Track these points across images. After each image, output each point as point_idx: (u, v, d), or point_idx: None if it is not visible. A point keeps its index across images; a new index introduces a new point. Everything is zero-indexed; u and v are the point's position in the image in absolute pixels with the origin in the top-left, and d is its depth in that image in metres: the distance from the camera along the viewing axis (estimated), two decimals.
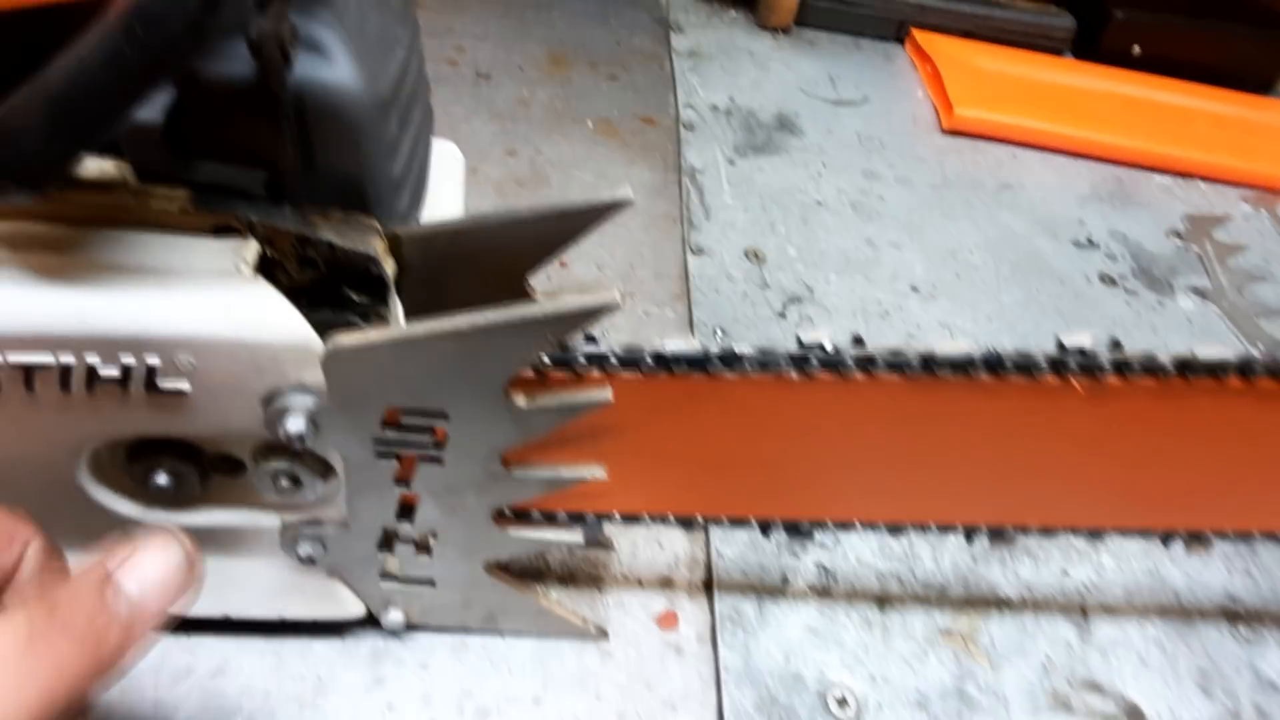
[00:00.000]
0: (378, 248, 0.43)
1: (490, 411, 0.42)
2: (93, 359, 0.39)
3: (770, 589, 0.68)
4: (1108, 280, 1.04)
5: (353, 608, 0.56)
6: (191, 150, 0.40)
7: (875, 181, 1.11)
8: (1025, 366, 0.46)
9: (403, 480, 0.47)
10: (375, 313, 0.45)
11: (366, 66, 0.43)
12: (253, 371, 0.41)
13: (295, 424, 0.42)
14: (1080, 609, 0.71)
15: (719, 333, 0.87)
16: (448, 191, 0.62)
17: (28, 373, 0.39)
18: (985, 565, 0.73)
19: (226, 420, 0.43)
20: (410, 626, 0.59)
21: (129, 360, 0.39)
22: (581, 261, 0.91)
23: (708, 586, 0.67)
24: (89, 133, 0.33)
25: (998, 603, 0.70)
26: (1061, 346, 0.47)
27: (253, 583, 0.54)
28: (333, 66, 0.41)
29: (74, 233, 0.40)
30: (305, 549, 0.51)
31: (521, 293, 0.49)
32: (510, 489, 0.47)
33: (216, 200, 0.40)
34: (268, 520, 0.50)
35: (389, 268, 0.44)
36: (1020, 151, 1.23)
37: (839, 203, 1.07)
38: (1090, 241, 1.10)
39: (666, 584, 0.67)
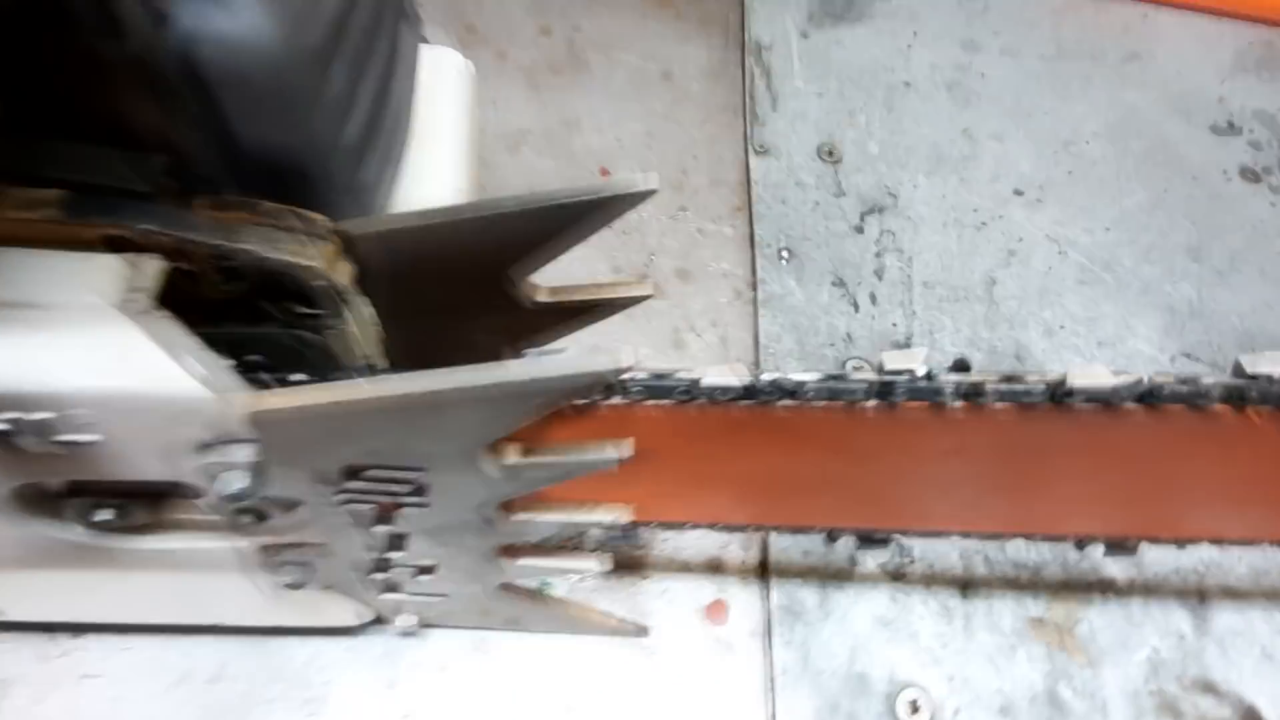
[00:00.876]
0: (322, 253, 0.33)
1: (472, 472, 0.33)
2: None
3: (835, 573, 0.59)
4: (1250, 175, 0.86)
5: (355, 616, 0.50)
6: (51, 141, 0.30)
7: (976, 54, 0.93)
8: (1192, 398, 0.34)
9: (385, 518, 0.39)
10: (328, 326, 0.35)
11: (284, 5, 0.31)
12: (171, 423, 0.32)
13: (234, 482, 0.33)
14: (1198, 592, 0.61)
15: (784, 255, 0.74)
16: (447, 122, 0.51)
17: None
18: None
19: (153, 471, 0.34)
20: (426, 625, 0.53)
21: (12, 416, 0.31)
22: (627, 168, 0.78)
23: (762, 571, 0.59)
24: None
25: (1100, 586, 0.61)
26: (1241, 371, 0.34)
27: (241, 594, 0.48)
28: (233, 12, 0.29)
29: None
30: (289, 575, 0.44)
31: (506, 293, 0.38)
32: (514, 531, 0.39)
33: (97, 206, 0.30)
34: (236, 543, 0.43)
35: (342, 274, 0.34)
36: (1152, 10, 1.01)
37: (931, 83, 0.90)
38: (1231, 125, 0.90)
39: (716, 568, 0.59)
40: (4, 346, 0.29)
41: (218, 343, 0.35)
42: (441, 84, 0.52)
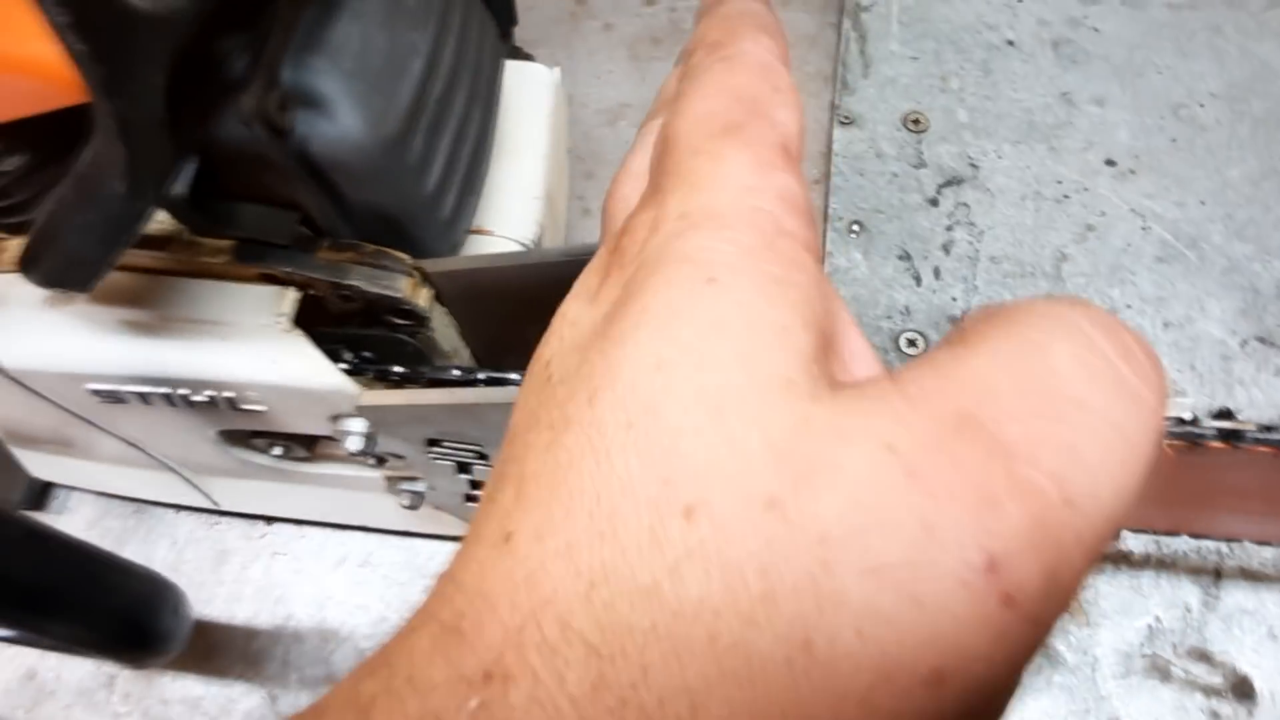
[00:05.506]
0: (405, 286, 0.45)
1: None
2: (184, 390, 0.47)
3: None
4: None
5: (461, 528, 0.66)
6: (226, 204, 0.43)
7: (1093, 5, 0.90)
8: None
9: (465, 468, 0.52)
10: (418, 331, 0.48)
11: (372, 106, 0.42)
12: (311, 403, 0.46)
13: (353, 443, 0.47)
14: (1215, 570, 0.65)
15: (855, 229, 0.80)
16: (529, 138, 0.61)
17: (143, 395, 0.48)
18: None
19: (305, 427, 0.50)
20: None
21: (211, 393, 0.46)
22: None
23: None
24: (118, 245, 0.37)
25: (1114, 557, 0.66)
26: None
27: (380, 505, 0.64)
28: (333, 120, 0.41)
29: (146, 282, 0.45)
30: (405, 499, 0.59)
31: None
32: None
33: (255, 253, 0.44)
34: (370, 473, 0.58)
35: (422, 299, 0.46)
36: None
37: (1036, 42, 0.89)
38: None
39: None
40: (204, 349, 0.44)
41: (339, 341, 0.49)
42: (526, 99, 0.62)
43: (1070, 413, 0.12)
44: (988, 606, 0.12)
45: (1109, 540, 0.12)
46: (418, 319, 0.47)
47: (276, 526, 0.71)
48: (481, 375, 0.47)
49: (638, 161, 0.19)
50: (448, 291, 0.47)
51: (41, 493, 0.73)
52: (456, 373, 0.48)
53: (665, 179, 0.16)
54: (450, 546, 0.69)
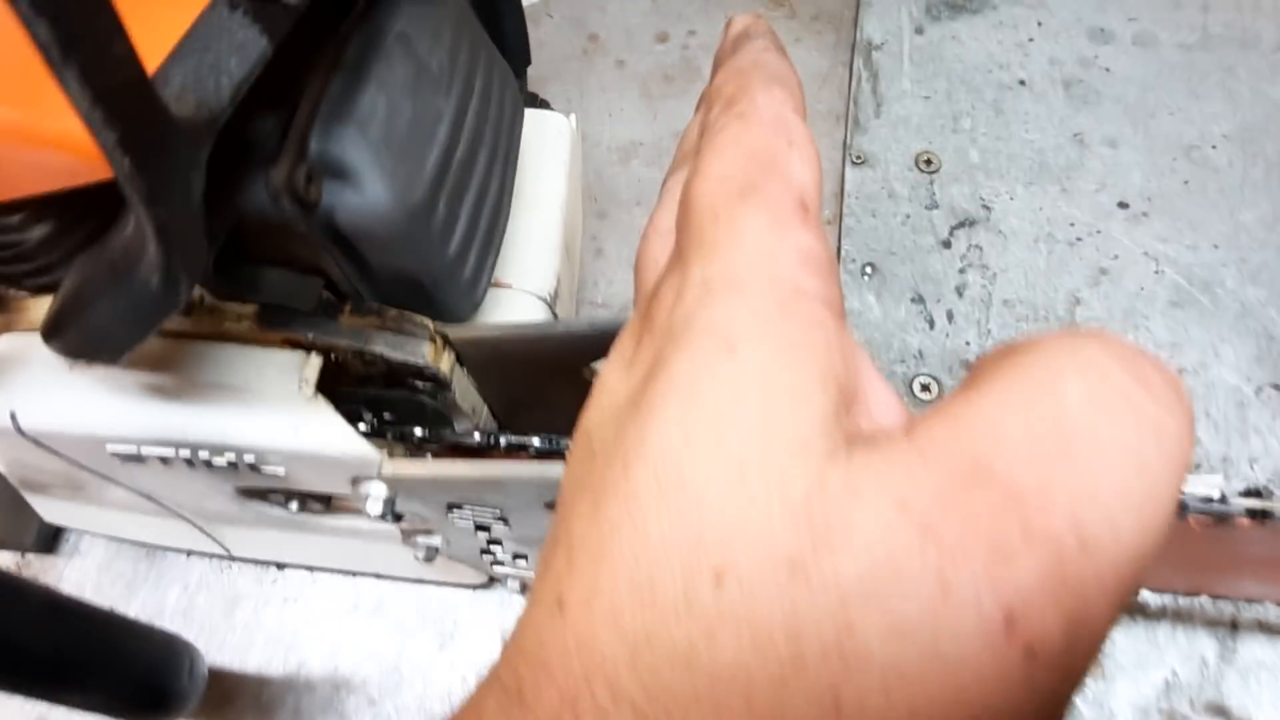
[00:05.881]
0: (428, 352, 0.45)
1: (539, 512, 0.45)
2: (205, 454, 0.46)
3: None
4: None
5: (476, 577, 0.65)
6: (249, 270, 0.43)
7: (1104, 45, 0.91)
8: None
9: (483, 528, 0.52)
10: (438, 393, 0.48)
11: (398, 176, 0.42)
12: (332, 468, 0.46)
13: (374, 507, 0.47)
14: (1231, 623, 0.65)
15: (867, 271, 0.80)
16: (547, 188, 0.61)
17: (163, 458, 0.48)
18: None
19: (325, 489, 0.49)
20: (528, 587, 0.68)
21: (232, 456, 0.46)
22: None
23: None
24: (147, 331, 0.37)
25: (1130, 608, 0.66)
26: None
27: (395, 554, 0.64)
28: (360, 191, 0.41)
29: (168, 346, 0.45)
30: (421, 552, 0.59)
31: (583, 375, 0.48)
32: None
33: (279, 319, 0.44)
34: (386, 527, 0.58)
35: (444, 363, 0.46)
36: None
37: (1048, 81, 0.89)
38: None
39: None
40: (226, 414, 0.44)
41: (359, 401, 0.49)
42: (544, 149, 0.62)
43: (1084, 451, 0.12)
44: (1010, 661, 0.12)
45: (1137, 578, 0.12)
46: (439, 383, 0.47)
47: (288, 572, 0.71)
48: (502, 439, 0.47)
49: (664, 218, 0.20)
50: (469, 356, 0.47)
51: (53, 536, 0.72)
52: (477, 435, 0.48)
53: (688, 245, 0.17)
54: (460, 595, 0.69)
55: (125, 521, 0.65)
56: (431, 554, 0.59)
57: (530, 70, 0.77)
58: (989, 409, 0.13)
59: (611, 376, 0.18)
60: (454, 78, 0.47)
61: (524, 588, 0.66)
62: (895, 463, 0.13)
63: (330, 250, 0.42)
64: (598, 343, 0.44)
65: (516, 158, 0.57)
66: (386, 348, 0.44)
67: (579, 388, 0.49)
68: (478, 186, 0.49)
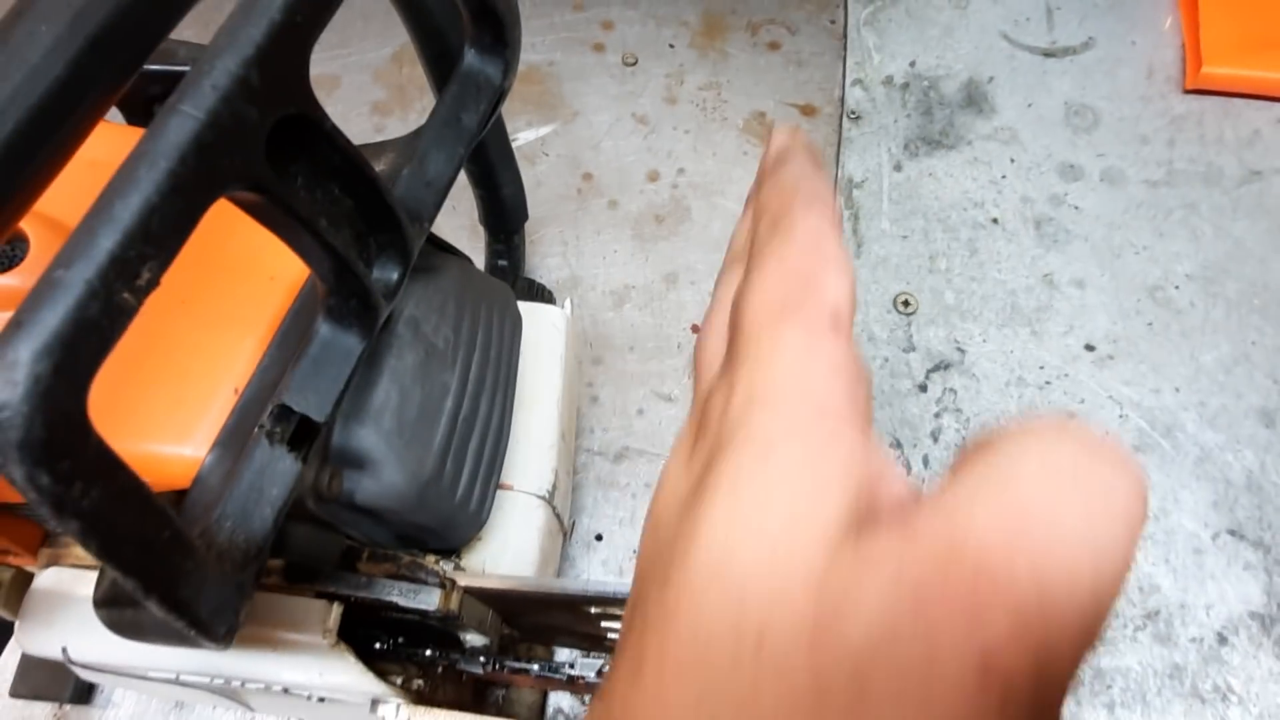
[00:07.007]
0: (437, 599, 0.50)
1: None
2: (237, 683, 0.52)
3: None
4: None
5: None
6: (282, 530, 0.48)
7: (1074, 182, 0.95)
8: None
9: None
10: (450, 622, 0.53)
11: (410, 458, 0.47)
12: (352, 696, 0.51)
13: None
14: None
15: None
16: (544, 383, 0.66)
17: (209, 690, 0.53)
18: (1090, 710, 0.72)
19: (348, 715, 0.55)
20: None
21: (263, 685, 0.51)
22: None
23: None
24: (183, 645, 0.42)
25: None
26: None
27: None
28: (376, 478, 0.46)
29: None
30: None
31: (588, 621, 0.53)
32: None
33: (304, 574, 0.49)
34: None
35: (453, 603, 0.51)
36: None
37: (1019, 221, 0.94)
38: None
39: None
40: (258, 657, 0.49)
41: (378, 626, 0.54)
42: (540, 343, 0.67)
43: (1039, 519, 0.15)
44: (989, 703, 0.14)
45: (1099, 618, 0.15)
46: (448, 618, 0.52)
47: None
48: (507, 664, 0.52)
49: (718, 319, 0.23)
50: (480, 594, 0.52)
51: (88, 689, 0.77)
52: (482, 659, 0.53)
53: (736, 357, 0.20)
54: None
55: (156, 686, 0.71)
56: None
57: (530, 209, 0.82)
58: (962, 495, 0.16)
59: (674, 469, 0.21)
60: (458, 348, 0.52)
61: None
62: (895, 545, 0.16)
63: (353, 520, 0.48)
64: (597, 599, 0.49)
65: (516, 376, 0.62)
66: (400, 597, 0.50)
67: (579, 616, 0.54)
68: (481, 430, 0.55)
